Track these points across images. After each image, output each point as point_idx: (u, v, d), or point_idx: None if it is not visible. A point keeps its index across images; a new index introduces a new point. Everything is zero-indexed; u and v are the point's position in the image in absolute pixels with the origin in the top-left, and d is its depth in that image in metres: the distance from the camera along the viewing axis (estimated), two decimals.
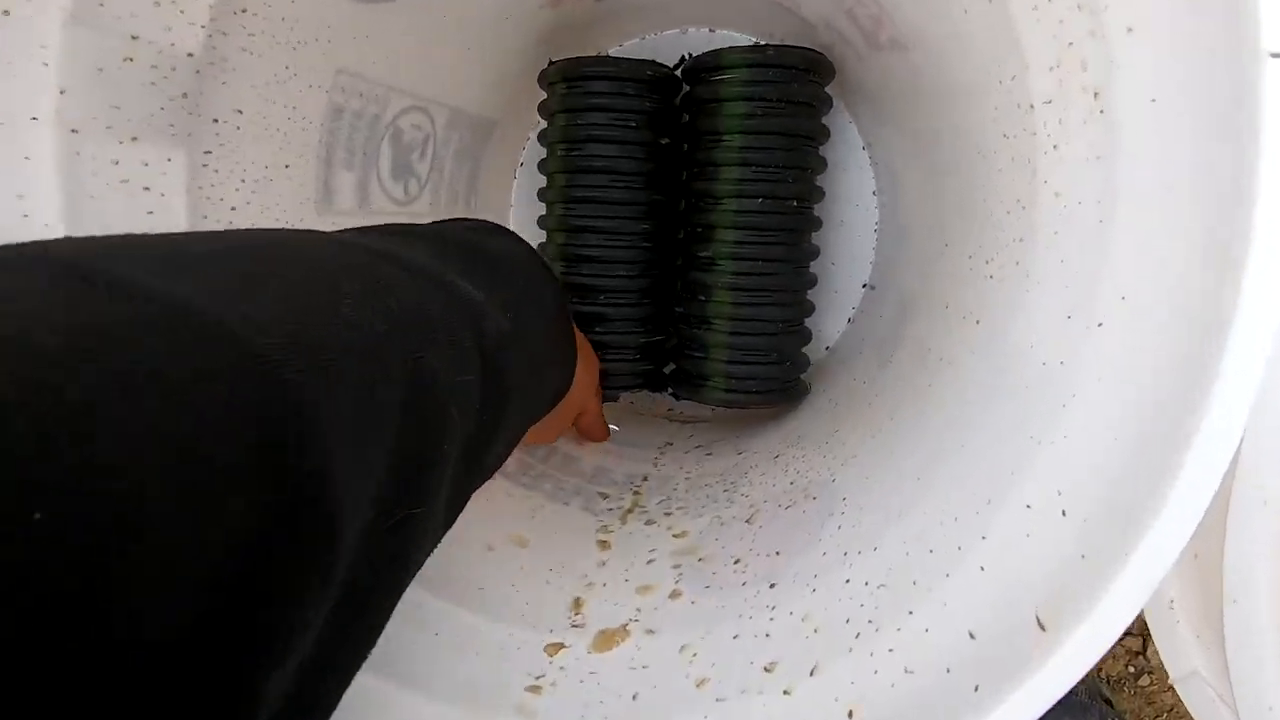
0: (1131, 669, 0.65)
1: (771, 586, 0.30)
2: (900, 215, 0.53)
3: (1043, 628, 0.18)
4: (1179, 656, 0.34)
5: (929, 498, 0.25)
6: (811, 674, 0.22)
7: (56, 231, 0.25)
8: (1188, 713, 0.36)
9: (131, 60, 0.27)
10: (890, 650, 0.21)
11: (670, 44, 0.59)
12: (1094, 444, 0.21)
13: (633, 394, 0.62)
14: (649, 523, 0.43)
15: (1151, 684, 0.64)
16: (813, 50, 0.50)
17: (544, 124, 0.56)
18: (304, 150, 0.38)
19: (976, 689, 0.18)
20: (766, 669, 0.23)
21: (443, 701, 0.25)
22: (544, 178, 0.56)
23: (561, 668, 0.29)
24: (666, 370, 0.58)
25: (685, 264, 0.55)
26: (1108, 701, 0.59)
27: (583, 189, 0.53)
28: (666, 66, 0.54)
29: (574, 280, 0.54)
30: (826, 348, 0.60)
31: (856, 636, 0.22)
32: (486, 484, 0.31)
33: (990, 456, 0.23)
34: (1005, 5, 0.23)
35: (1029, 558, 0.20)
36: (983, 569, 0.21)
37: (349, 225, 0.44)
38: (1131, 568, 0.18)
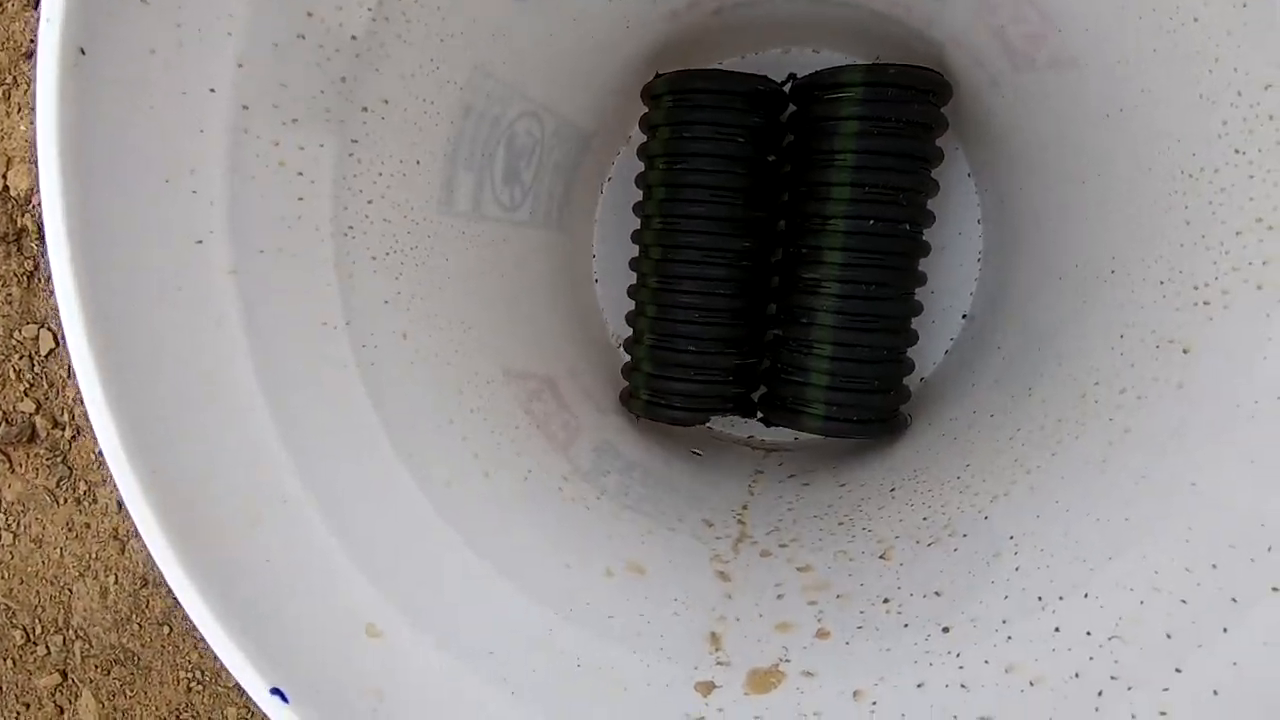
0: None
1: (945, 631, 0.27)
2: (1015, 243, 0.51)
3: None
4: None
5: (1152, 542, 0.23)
6: None
7: (220, 212, 0.24)
8: None
9: (303, 38, 0.25)
10: (1163, 714, 0.18)
11: (772, 63, 0.58)
12: None
13: (714, 419, 0.60)
14: (764, 554, 0.40)
15: None
16: (933, 70, 0.48)
17: (641, 139, 0.55)
18: (434, 148, 0.36)
19: None
20: None
21: None
22: (639, 192, 0.55)
23: (720, 709, 0.26)
24: (755, 396, 0.56)
25: (785, 286, 0.53)
26: None
27: (684, 204, 0.52)
28: (775, 82, 0.52)
29: (669, 298, 0.52)
30: (922, 379, 0.58)
31: (1099, 694, 0.19)
32: (594, 500, 0.27)
33: (1251, 498, 0.21)
34: (1271, 13, 0.21)
35: None
36: None
37: (465, 228, 0.42)
38: None
